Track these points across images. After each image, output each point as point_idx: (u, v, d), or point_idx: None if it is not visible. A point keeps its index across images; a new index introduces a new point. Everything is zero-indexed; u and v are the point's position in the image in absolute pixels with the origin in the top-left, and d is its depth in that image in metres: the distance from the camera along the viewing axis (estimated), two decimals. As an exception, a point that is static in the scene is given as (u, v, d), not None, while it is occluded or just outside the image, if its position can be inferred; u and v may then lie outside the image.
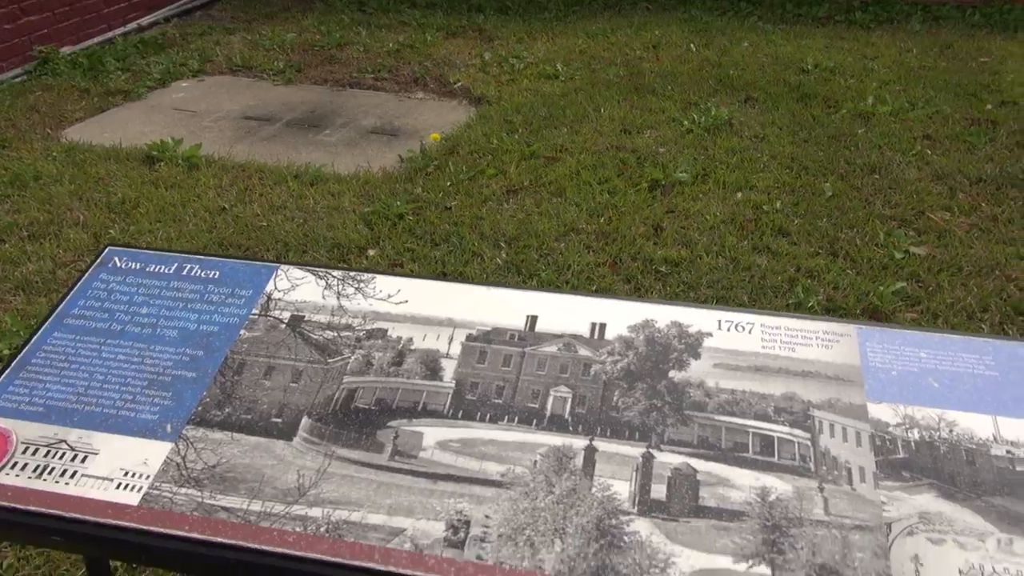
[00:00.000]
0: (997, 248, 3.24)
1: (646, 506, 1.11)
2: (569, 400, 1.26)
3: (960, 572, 1.01)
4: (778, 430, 1.20)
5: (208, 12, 7.01)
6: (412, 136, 4.49)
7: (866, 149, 4.11)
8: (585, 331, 1.37)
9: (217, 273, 1.50)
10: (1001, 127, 4.34)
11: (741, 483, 1.14)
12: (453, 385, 1.30)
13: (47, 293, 3.03)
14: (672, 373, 1.29)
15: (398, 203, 3.59)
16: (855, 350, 1.31)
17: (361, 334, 1.39)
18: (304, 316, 1.42)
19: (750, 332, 1.35)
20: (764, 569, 1.04)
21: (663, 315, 1.39)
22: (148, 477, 1.17)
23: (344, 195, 3.74)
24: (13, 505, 1.15)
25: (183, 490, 1.15)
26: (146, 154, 4.14)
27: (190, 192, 3.78)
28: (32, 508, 1.15)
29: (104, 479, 1.17)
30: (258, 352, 1.36)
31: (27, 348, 1.37)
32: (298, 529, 1.10)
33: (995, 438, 1.17)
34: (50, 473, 1.18)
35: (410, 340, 1.37)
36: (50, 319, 1.42)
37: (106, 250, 1.56)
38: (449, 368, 1.33)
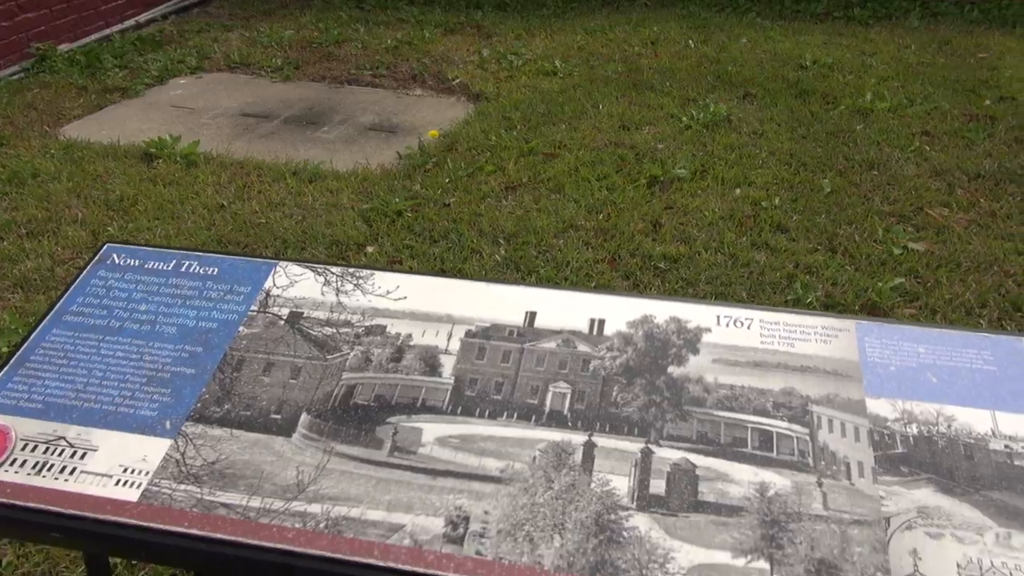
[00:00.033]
0: (995, 244, 3.24)
1: (645, 501, 1.12)
2: (568, 396, 1.27)
3: (958, 566, 1.02)
4: (777, 425, 1.20)
5: (206, 9, 6.99)
6: (410, 133, 4.48)
7: (864, 145, 4.12)
8: (584, 327, 1.37)
9: (216, 270, 1.50)
10: (999, 123, 4.34)
11: (740, 478, 1.14)
12: (452, 381, 1.30)
13: (45, 291, 3.03)
14: (671, 369, 1.29)
15: (397, 200, 3.59)
16: (854, 345, 1.31)
17: (360, 330, 1.39)
18: (303, 312, 1.42)
19: (749, 327, 1.35)
20: (763, 564, 1.04)
21: (662, 311, 1.39)
22: (147, 473, 1.17)
23: (342, 192, 3.74)
24: (12, 502, 1.15)
25: (182, 486, 1.15)
26: (144, 151, 4.13)
27: (188, 189, 3.78)
28: (31, 505, 1.15)
29: (103, 475, 1.17)
30: (257, 349, 1.36)
31: (26, 345, 1.37)
32: (297, 525, 1.10)
33: (993, 433, 1.17)
34: (49, 470, 1.18)
35: (409, 336, 1.37)
36: (49, 316, 1.41)
37: (104, 247, 1.55)
38: (448, 364, 1.33)
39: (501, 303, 1.42)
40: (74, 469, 1.18)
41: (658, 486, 1.13)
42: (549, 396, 1.27)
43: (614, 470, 1.15)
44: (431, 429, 1.23)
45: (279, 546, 1.08)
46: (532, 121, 4.49)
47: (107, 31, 6.06)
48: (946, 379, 1.24)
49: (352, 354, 1.35)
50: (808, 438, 1.19)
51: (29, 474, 1.18)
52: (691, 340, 1.34)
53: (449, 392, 1.29)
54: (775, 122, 4.42)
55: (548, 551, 1.06)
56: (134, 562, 1.97)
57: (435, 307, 1.42)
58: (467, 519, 1.10)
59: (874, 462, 1.15)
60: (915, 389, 1.23)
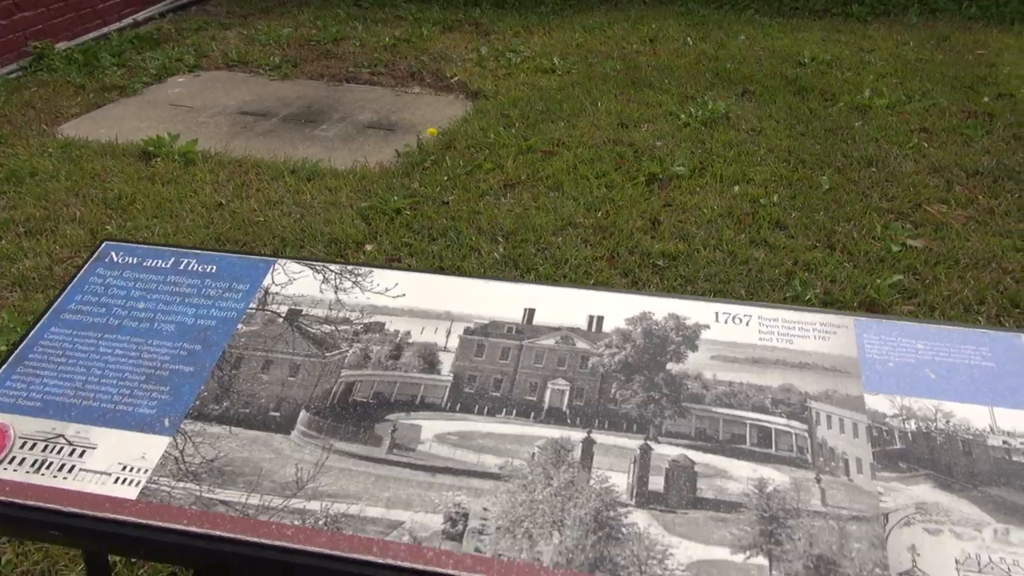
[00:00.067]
0: (994, 240, 3.24)
1: (644, 498, 1.12)
2: (567, 393, 1.27)
3: (957, 562, 1.02)
4: (775, 422, 1.20)
5: (203, 7, 6.98)
6: (409, 131, 4.48)
7: (863, 142, 4.12)
8: (583, 324, 1.37)
9: (214, 267, 1.50)
10: (998, 119, 4.34)
11: (739, 474, 1.14)
12: (451, 378, 1.30)
13: (44, 289, 3.03)
14: (670, 365, 1.29)
15: (395, 198, 3.59)
16: (852, 342, 1.31)
17: (359, 328, 1.39)
18: (302, 310, 1.42)
19: (747, 324, 1.35)
20: (762, 560, 1.04)
21: (660, 308, 1.39)
22: (146, 471, 1.17)
23: (341, 190, 3.74)
24: (11, 500, 1.15)
25: (181, 484, 1.16)
26: (142, 150, 4.13)
27: (187, 188, 3.78)
28: (30, 503, 1.15)
29: (102, 473, 1.17)
30: (256, 346, 1.36)
31: (24, 343, 1.36)
32: (296, 522, 1.10)
33: (991, 428, 1.17)
34: (48, 468, 1.18)
35: (408, 333, 1.37)
36: (47, 314, 1.41)
37: (103, 245, 1.55)
38: (447, 361, 1.33)
39: (500, 300, 1.42)
40: (73, 467, 1.18)
41: (657, 483, 1.13)
42: (548, 393, 1.27)
43: (613, 467, 1.16)
44: (430, 426, 1.23)
45: (278, 543, 1.09)
46: (531, 119, 4.49)
47: (105, 29, 6.05)
48: (944, 375, 1.25)
49: (351, 351, 1.35)
50: (807, 434, 1.19)
51: (28, 472, 1.18)
52: (690, 337, 1.34)
53: (448, 389, 1.29)
54: (774, 119, 4.42)
55: (547, 548, 1.06)
56: (133, 560, 1.97)
57: (434, 304, 1.42)
58: (466, 516, 1.10)
59: (872, 458, 1.15)
60: (913, 385, 1.23)
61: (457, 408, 1.26)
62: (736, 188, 3.70)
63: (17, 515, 1.15)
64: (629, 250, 3.23)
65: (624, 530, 1.08)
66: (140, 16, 6.42)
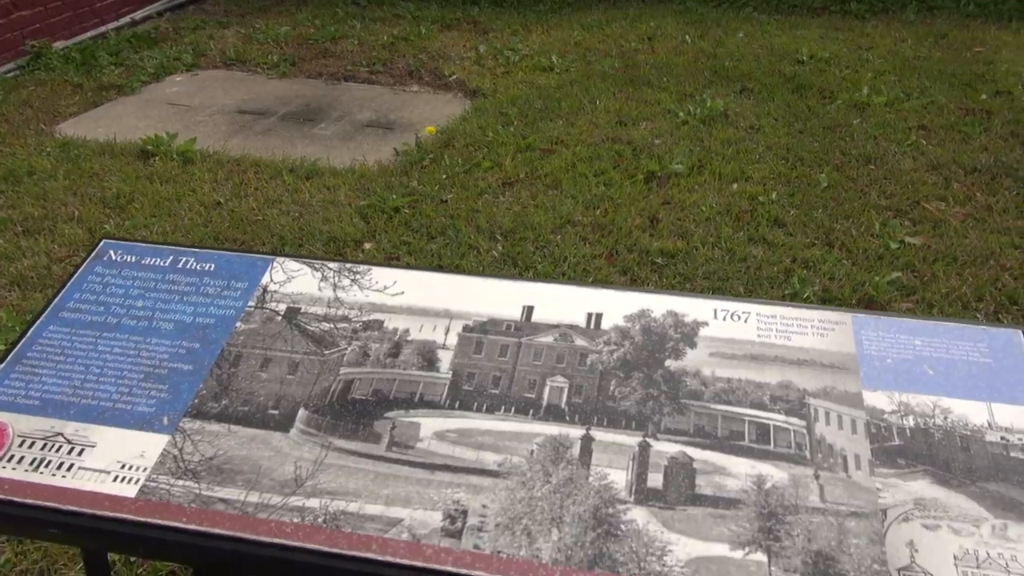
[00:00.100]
0: (992, 238, 3.25)
1: (643, 495, 1.12)
2: (566, 390, 1.27)
3: (955, 557, 1.02)
4: (774, 418, 1.21)
5: (201, 6, 6.98)
6: (407, 129, 4.48)
7: (861, 139, 4.12)
8: (581, 321, 1.37)
9: (212, 266, 1.50)
10: (996, 117, 4.34)
11: (737, 471, 1.14)
12: (450, 376, 1.30)
13: (42, 288, 3.03)
14: (668, 362, 1.30)
15: (394, 196, 3.59)
16: (850, 338, 1.31)
17: (358, 325, 1.39)
18: (300, 308, 1.42)
19: (746, 321, 1.35)
20: (760, 556, 1.04)
21: (659, 305, 1.39)
22: (145, 469, 1.17)
23: (340, 189, 3.74)
24: (10, 498, 1.15)
25: (180, 482, 1.16)
26: (140, 149, 4.12)
27: (185, 186, 3.77)
28: (29, 501, 1.15)
29: (101, 472, 1.17)
30: (254, 344, 1.36)
31: (23, 342, 1.36)
32: (296, 520, 1.10)
33: (989, 424, 1.17)
34: (47, 466, 1.18)
35: (407, 331, 1.37)
36: (46, 312, 1.41)
37: (101, 243, 1.55)
38: (446, 359, 1.33)
39: (498, 298, 1.42)
40: (72, 465, 1.18)
41: (656, 479, 1.14)
42: (547, 390, 1.27)
43: (612, 464, 1.16)
44: (429, 423, 1.23)
45: (277, 541, 1.09)
46: (529, 117, 4.49)
47: (102, 28, 6.05)
48: (942, 371, 1.25)
49: (350, 349, 1.35)
50: (805, 431, 1.19)
51: (27, 471, 1.18)
52: (688, 334, 1.34)
53: (447, 386, 1.29)
54: (772, 117, 4.42)
55: (546, 544, 1.06)
56: (132, 558, 1.97)
57: (432, 302, 1.42)
58: (465, 513, 1.10)
59: (871, 454, 1.15)
60: (912, 381, 1.24)
61: (456, 405, 1.26)
62: (735, 186, 3.70)
63: (16, 513, 1.15)
64: (628, 248, 3.23)
65: (623, 527, 1.08)
66: (138, 15, 6.41)
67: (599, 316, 1.38)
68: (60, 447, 1.21)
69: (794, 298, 2.90)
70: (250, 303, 1.43)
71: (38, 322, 1.40)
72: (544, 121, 4.43)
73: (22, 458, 1.20)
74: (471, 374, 1.30)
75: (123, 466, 1.18)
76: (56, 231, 3.40)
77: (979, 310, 2.84)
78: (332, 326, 1.39)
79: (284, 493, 1.14)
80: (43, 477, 1.17)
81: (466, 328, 1.37)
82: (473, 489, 1.13)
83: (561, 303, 1.41)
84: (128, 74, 5.28)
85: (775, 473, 1.13)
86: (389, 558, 1.06)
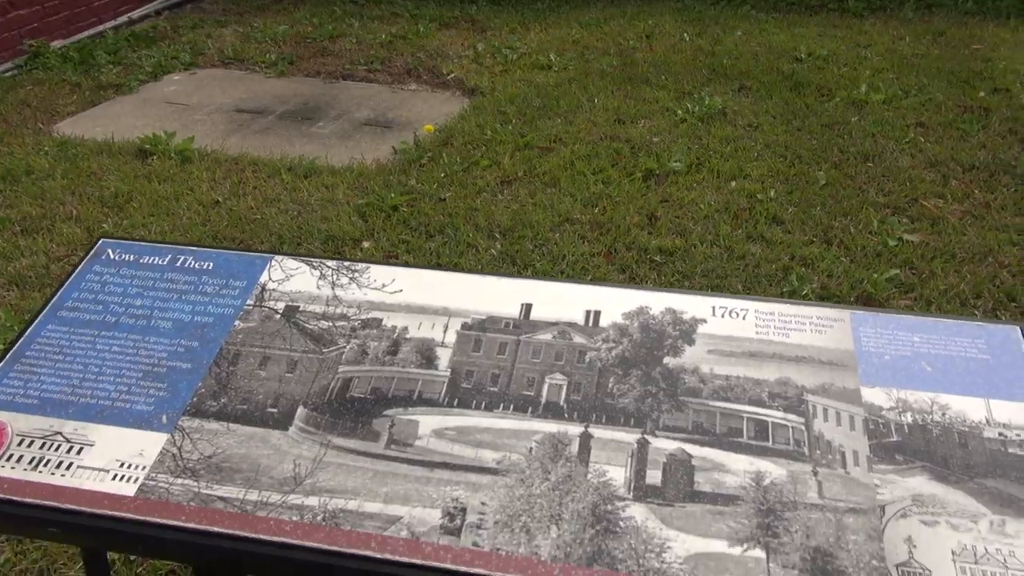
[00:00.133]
0: (990, 235, 3.25)
1: (641, 491, 1.12)
2: (564, 387, 1.27)
3: (953, 553, 1.02)
4: (772, 415, 1.21)
5: (199, 5, 6.97)
6: (406, 128, 4.48)
7: (859, 137, 4.12)
8: (580, 319, 1.37)
9: (211, 264, 1.50)
10: (994, 114, 4.34)
11: (736, 468, 1.14)
12: (448, 373, 1.30)
13: (40, 288, 3.03)
14: (667, 359, 1.30)
15: (392, 195, 3.59)
16: (848, 335, 1.31)
17: (356, 324, 1.39)
18: (299, 306, 1.42)
19: (744, 318, 1.35)
20: (759, 553, 1.04)
21: (657, 302, 1.39)
22: (144, 468, 1.17)
23: (338, 187, 3.74)
24: (9, 497, 1.15)
25: (179, 480, 1.16)
26: (139, 148, 4.12)
27: (183, 185, 3.77)
28: (28, 500, 1.15)
29: (100, 470, 1.17)
30: (253, 342, 1.36)
31: (21, 341, 1.36)
32: (295, 518, 1.10)
33: (987, 421, 1.17)
34: (46, 465, 1.18)
35: (405, 329, 1.37)
36: (44, 311, 1.41)
37: (99, 242, 1.55)
38: (444, 356, 1.33)
39: (497, 295, 1.42)
40: (71, 464, 1.18)
41: (654, 476, 1.14)
42: (545, 388, 1.27)
43: (610, 461, 1.16)
44: (427, 421, 1.23)
45: (276, 539, 1.09)
46: (527, 115, 4.49)
47: (100, 27, 6.04)
48: (940, 368, 1.25)
49: (348, 347, 1.35)
50: (803, 427, 1.19)
51: (26, 470, 1.18)
52: (687, 331, 1.34)
53: (445, 384, 1.29)
54: (770, 115, 4.42)
55: (545, 542, 1.06)
56: (132, 557, 1.97)
57: (431, 300, 1.42)
58: (464, 511, 1.10)
59: (869, 451, 1.15)
60: (910, 378, 1.24)
61: (455, 403, 1.26)
62: (733, 183, 3.70)
63: (15, 513, 1.15)
64: (626, 246, 3.23)
65: (622, 524, 1.08)
66: (135, 14, 6.41)
67: (597, 314, 1.38)
68: (59, 446, 1.21)
69: (792, 295, 2.90)
70: (248, 301, 1.43)
71: (36, 321, 1.40)
72: (542, 119, 4.43)
73: (21, 457, 1.20)
74: (470, 372, 1.30)
75: (122, 465, 1.18)
76: (54, 230, 3.40)
77: (977, 307, 2.84)
78: (331, 324, 1.39)
79: (283, 491, 1.14)
80: (42, 476, 1.17)
81: (465, 326, 1.37)
82: (472, 487, 1.13)
83: (559, 301, 1.41)
84: (126, 73, 5.27)
85: (773, 470, 1.14)
86: (388, 556, 1.06)
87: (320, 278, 1.48)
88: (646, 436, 1.19)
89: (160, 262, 1.51)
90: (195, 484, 1.15)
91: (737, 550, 1.04)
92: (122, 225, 3.44)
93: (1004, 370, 1.24)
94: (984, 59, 5.18)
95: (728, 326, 1.35)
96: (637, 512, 1.09)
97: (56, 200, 3.63)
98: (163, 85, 5.17)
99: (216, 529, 1.10)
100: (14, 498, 1.15)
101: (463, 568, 1.04)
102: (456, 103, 4.82)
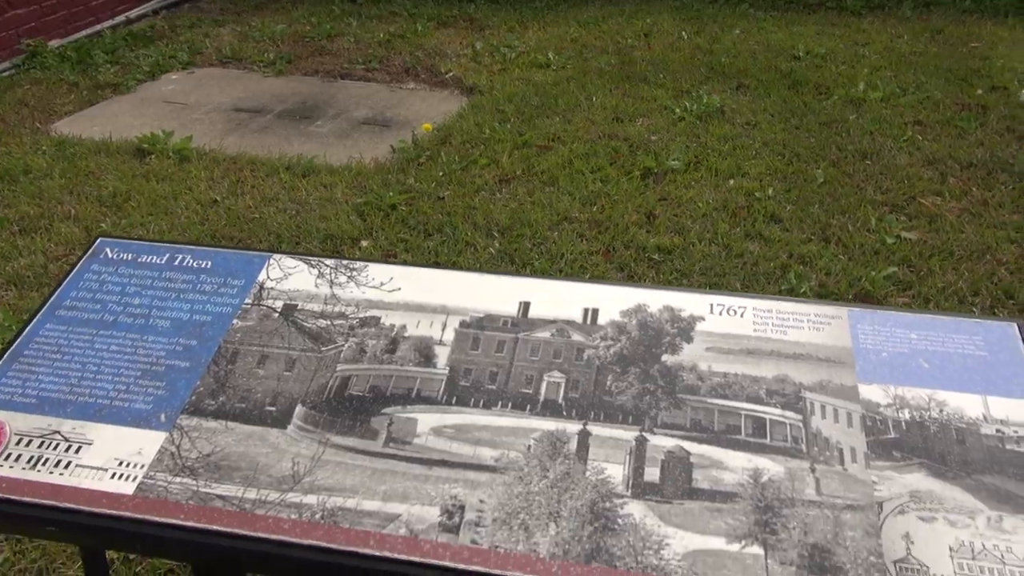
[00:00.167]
0: (988, 232, 3.25)
1: (640, 489, 1.12)
2: (562, 385, 1.27)
3: (951, 549, 1.03)
4: (770, 412, 1.21)
5: (197, 4, 6.96)
6: (404, 127, 4.48)
7: (857, 135, 4.12)
8: (578, 316, 1.37)
9: (209, 263, 1.50)
10: (991, 112, 4.35)
11: (734, 465, 1.14)
12: (447, 371, 1.30)
13: (39, 287, 3.02)
14: (665, 357, 1.30)
15: (391, 194, 3.59)
16: (846, 332, 1.31)
17: (354, 322, 1.39)
18: (297, 305, 1.42)
19: (742, 316, 1.36)
20: (757, 549, 1.04)
21: (655, 300, 1.39)
22: (143, 466, 1.17)
23: (336, 186, 3.74)
24: (7, 496, 1.15)
25: (178, 479, 1.16)
26: (137, 147, 4.12)
27: (181, 185, 3.77)
28: (27, 499, 1.15)
29: (99, 469, 1.17)
30: (251, 341, 1.36)
31: (19, 340, 1.36)
32: (293, 516, 1.11)
33: (985, 417, 1.18)
34: (44, 464, 1.18)
35: (403, 327, 1.37)
36: (42, 311, 1.41)
37: (97, 241, 1.55)
38: (443, 355, 1.33)
39: (495, 293, 1.42)
40: (69, 463, 1.18)
41: (652, 474, 1.14)
42: (544, 385, 1.27)
43: (609, 458, 1.16)
44: (426, 419, 1.23)
45: (275, 537, 1.09)
46: (526, 114, 4.49)
47: (98, 27, 6.03)
48: (938, 365, 1.25)
49: (347, 346, 1.35)
50: (801, 424, 1.19)
51: (24, 469, 1.18)
52: (685, 329, 1.34)
53: (444, 382, 1.29)
54: (768, 113, 4.42)
55: (543, 539, 1.06)
56: (131, 557, 1.97)
57: (429, 298, 1.42)
58: (462, 508, 1.10)
59: (867, 447, 1.15)
60: (907, 375, 1.24)
61: (453, 401, 1.26)
62: (731, 182, 3.70)
63: (14, 512, 1.15)
64: (625, 244, 3.23)
65: (620, 521, 1.08)
66: (133, 13, 6.40)
67: (595, 311, 1.38)
68: (57, 445, 1.21)
69: (791, 293, 2.90)
70: (247, 300, 1.43)
71: (35, 320, 1.40)
72: (541, 118, 4.43)
73: (19, 456, 1.20)
74: (468, 370, 1.30)
75: (120, 463, 1.18)
76: (52, 230, 3.40)
77: (975, 304, 2.85)
78: (329, 323, 1.39)
79: (282, 489, 1.14)
80: (40, 475, 1.17)
81: (463, 324, 1.37)
82: (470, 484, 1.13)
83: (557, 299, 1.41)
84: (124, 72, 5.27)
85: (771, 467, 1.14)
86: (387, 553, 1.06)
87: (318, 277, 1.48)
88: (644, 433, 1.19)
89: (158, 261, 1.51)
90: (194, 483, 1.15)
91: (735, 547, 1.05)
92: (120, 224, 3.44)
93: (1001, 367, 1.24)
94: (982, 57, 5.18)
95: (726, 324, 1.35)
96: (635, 509, 1.09)
97: (54, 200, 3.63)
98: (161, 84, 5.17)
99: (215, 527, 1.10)
100: (13, 497, 1.15)
101: (461, 566, 1.04)
102: (454, 102, 4.82)
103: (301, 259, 1.52)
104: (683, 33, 5.81)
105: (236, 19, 6.48)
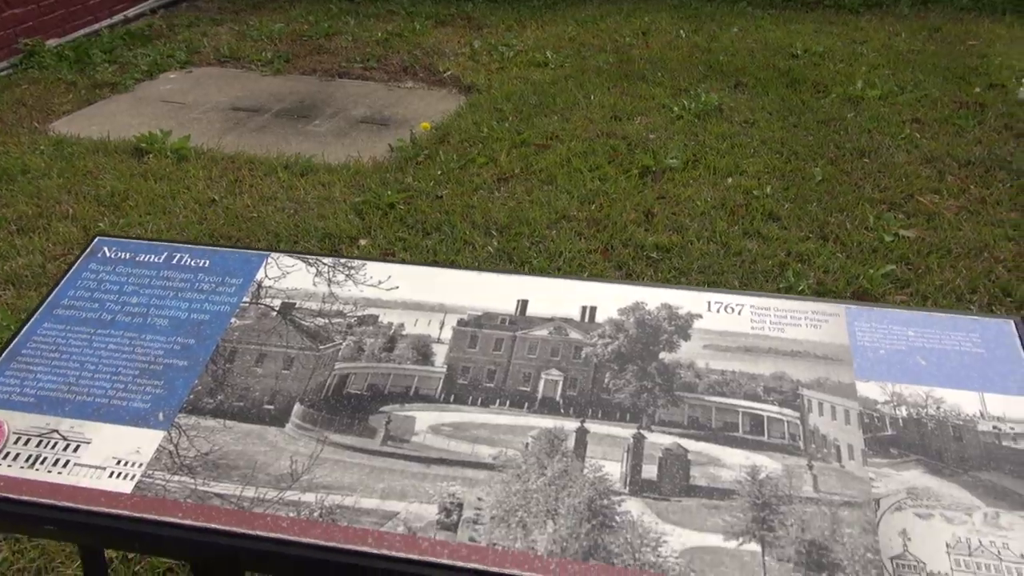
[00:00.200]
0: (986, 230, 3.26)
1: (637, 486, 1.12)
2: (560, 383, 1.27)
3: (947, 546, 1.03)
4: (768, 409, 1.21)
5: (194, 3, 6.96)
6: (402, 125, 4.47)
7: (855, 133, 4.12)
8: (576, 314, 1.38)
9: (207, 262, 1.50)
10: (989, 110, 4.35)
11: (731, 462, 1.15)
12: (445, 370, 1.30)
13: (37, 287, 3.02)
14: (662, 355, 1.30)
15: (389, 193, 3.59)
16: (844, 330, 1.32)
17: (352, 320, 1.39)
18: (295, 303, 1.42)
19: (739, 313, 1.36)
20: (754, 546, 1.05)
21: (653, 298, 1.40)
22: (141, 465, 1.18)
23: (335, 185, 3.74)
24: (6, 495, 1.15)
25: (176, 477, 1.16)
26: (135, 146, 4.12)
27: (179, 184, 3.77)
28: (25, 498, 1.15)
29: (97, 468, 1.17)
30: (249, 340, 1.36)
31: (17, 339, 1.36)
32: (291, 514, 1.11)
33: (982, 414, 1.18)
34: (42, 463, 1.19)
35: (401, 326, 1.37)
36: (40, 310, 1.41)
37: (95, 240, 1.55)
38: (440, 353, 1.33)
39: (493, 292, 1.42)
40: (67, 462, 1.18)
41: (650, 471, 1.14)
42: (541, 383, 1.27)
43: (606, 456, 1.16)
44: (424, 417, 1.23)
45: (273, 535, 1.09)
46: (524, 112, 4.49)
47: (95, 26, 6.03)
48: (935, 362, 1.25)
49: (345, 344, 1.35)
50: (799, 422, 1.19)
51: (22, 467, 1.18)
52: (682, 326, 1.34)
53: (442, 380, 1.29)
54: (766, 111, 4.42)
55: (541, 536, 1.07)
56: (130, 556, 1.97)
57: (427, 296, 1.42)
58: (460, 506, 1.11)
59: (864, 444, 1.15)
60: (904, 372, 1.24)
61: (451, 399, 1.26)
62: (729, 180, 3.70)
63: (12, 511, 1.15)
64: (623, 243, 3.23)
65: (618, 518, 1.08)
66: (131, 12, 6.39)
67: (593, 309, 1.38)
68: (55, 444, 1.21)
69: (789, 291, 2.90)
70: (245, 299, 1.43)
71: (33, 319, 1.40)
72: (539, 116, 4.43)
73: (18, 455, 1.20)
74: (466, 368, 1.31)
75: (119, 462, 1.18)
76: (50, 229, 3.39)
77: (973, 302, 2.85)
78: (327, 321, 1.39)
79: (280, 488, 1.14)
80: (39, 474, 1.17)
81: (461, 322, 1.38)
82: (468, 482, 1.14)
83: (555, 297, 1.41)
84: (122, 72, 5.26)
85: (769, 464, 1.14)
86: (385, 551, 1.06)
87: (316, 275, 1.48)
88: (642, 431, 1.19)
89: (156, 260, 1.51)
90: (192, 481, 1.15)
91: (733, 544, 1.05)
92: (118, 224, 3.44)
93: (998, 364, 1.25)
94: (980, 55, 5.19)
95: (724, 321, 1.35)
96: (633, 506, 1.10)
97: (52, 199, 3.63)
98: (159, 84, 5.17)
99: (213, 526, 1.10)
100: (11, 496, 1.15)
101: (460, 563, 1.04)
102: (452, 101, 4.82)
103: (299, 258, 1.52)
104: (681, 31, 5.81)
105: (234, 18, 6.48)
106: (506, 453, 1.17)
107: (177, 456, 1.19)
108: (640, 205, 3.49)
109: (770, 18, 6.09)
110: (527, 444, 1.18)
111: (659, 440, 1.18)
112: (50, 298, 1.43)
